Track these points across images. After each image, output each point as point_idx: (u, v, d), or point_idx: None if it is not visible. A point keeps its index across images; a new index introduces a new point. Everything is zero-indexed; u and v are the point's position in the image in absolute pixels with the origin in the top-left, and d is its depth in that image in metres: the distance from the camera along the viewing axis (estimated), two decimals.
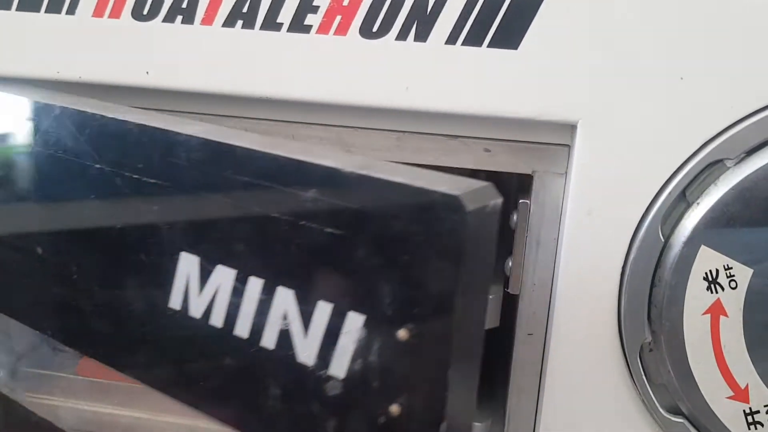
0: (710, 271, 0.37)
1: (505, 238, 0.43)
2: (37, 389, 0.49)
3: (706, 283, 0.38)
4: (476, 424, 0.47)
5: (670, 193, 0.38)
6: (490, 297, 0.44)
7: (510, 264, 0.44)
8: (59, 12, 0.42)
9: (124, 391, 0.48)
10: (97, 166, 0.34)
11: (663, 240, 0.38)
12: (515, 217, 0.43)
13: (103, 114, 0.34)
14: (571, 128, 0.40)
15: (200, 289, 0.32)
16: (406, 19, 0.38)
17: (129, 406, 0.48)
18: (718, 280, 0.38)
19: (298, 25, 0.39)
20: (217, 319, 0.31)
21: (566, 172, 0.41)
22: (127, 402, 0.48)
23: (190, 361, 0.34)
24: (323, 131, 0.44)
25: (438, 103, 0.40)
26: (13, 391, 0.48)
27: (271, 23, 0.40)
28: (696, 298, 0.38)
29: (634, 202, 0.39)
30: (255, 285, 0.30)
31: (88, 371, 0.49)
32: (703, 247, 0.37)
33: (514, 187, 0.44)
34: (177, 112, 0.44)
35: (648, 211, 0.38)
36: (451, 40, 0.38)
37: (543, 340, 0.42)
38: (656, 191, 0.38)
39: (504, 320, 0.45)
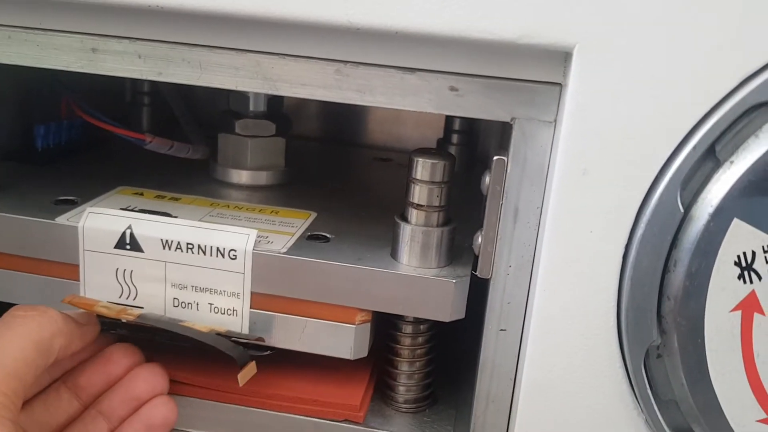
0: (744, 253, 0.31)
1: (475, 205, 0.37)
2: None
3: (737, 270, 0.31)
4: None
5: (694, 147, 0.31)
6: (453, 282, 0.37)
7: (479, 240, 0.36)
8: None
9: None
10: None
11: (682, 210, 0.31)
12: (487, 179, 0.35)
13: None
14: (564, 59, 0.32)
15: None
16: None
17: None
18: (754, 267, 0.31)
19: None
20: None
21: (555, 120, 0.33)
22: None
23: None
24: (238, 58, 0.35)
25: (387, 20, 0.31)
26: None
27: None
28: (723, 289, 0.32)
29: (645, 160, 0.31)
30: None
31: None
32: (736, 221, 0.31)
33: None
34: (52, 31, 0.35)
35: (663, 172, 0.31)
36: None
37: (519, 337, 0.36)
38: (675, 145, 0.31)
39: (471, 311, 0.38)
